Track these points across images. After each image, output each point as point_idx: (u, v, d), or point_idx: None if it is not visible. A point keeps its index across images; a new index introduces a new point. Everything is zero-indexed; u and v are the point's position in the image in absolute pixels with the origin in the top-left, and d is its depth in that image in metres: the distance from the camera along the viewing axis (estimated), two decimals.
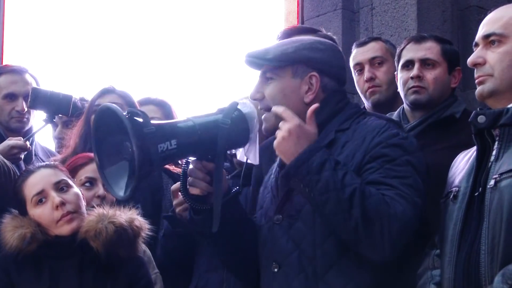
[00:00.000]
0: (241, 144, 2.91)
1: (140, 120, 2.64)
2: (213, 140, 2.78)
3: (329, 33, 3.71)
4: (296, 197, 2.85)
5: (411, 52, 3.72)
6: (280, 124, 2.78)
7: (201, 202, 2.90)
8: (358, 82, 4.19)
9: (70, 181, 3.33)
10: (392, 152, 2.80)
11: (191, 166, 2.87)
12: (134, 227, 3.27)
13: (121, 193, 2.72)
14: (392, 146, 2.81)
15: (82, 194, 3.35)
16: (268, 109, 2.92)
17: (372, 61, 4.13)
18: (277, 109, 2.82)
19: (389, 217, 2.66)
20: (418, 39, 3.76)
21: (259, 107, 2.95)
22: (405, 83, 3.71)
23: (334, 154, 2.82)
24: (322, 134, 2.89)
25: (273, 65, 2.93)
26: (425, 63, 3.69)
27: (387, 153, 2.79)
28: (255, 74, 3.04)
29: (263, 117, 2.94)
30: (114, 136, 2.71)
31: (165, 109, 4.37)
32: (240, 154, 2.97)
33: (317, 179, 2.68)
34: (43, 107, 4.20)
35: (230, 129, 2.80)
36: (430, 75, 3.67)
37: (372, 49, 4.17)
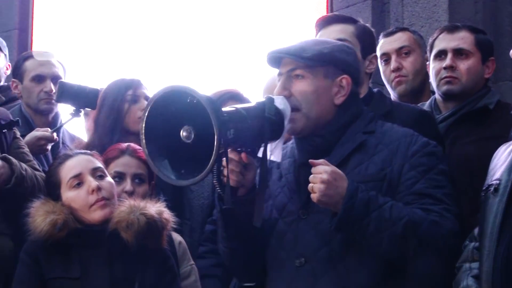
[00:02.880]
0: (275, 139, 2.88)
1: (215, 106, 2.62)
2: (259, 131, 2.76)
3: (367, 24, 3.68)
4: None
5: (444, 42, 3.69)
6: (312, 177, 2.74)
7: (233, 193, 2.86)
8: (385, 72, 4.18)
9: (105, 171, 3.35)
10: (429, 161, 2.84)
11: (227, 157, 2.82)
12: (163, 219, 3.27)
13: (173, 176, 2.69)
14: (429, 155, 2.85)
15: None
16: (296, 108, 2.90)
17: (399, 51, 4.11)
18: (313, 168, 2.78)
19: (443, 238, 2.72)
20: (451, 29, 3.73)
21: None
22: (437, 73, 3.68)
23: (368, 155, 2.85)
24: (348, 134, 2.92)
25: (309, 64, 2.91)
26: (458, 53, 3.65)
27: (425, 162, 2.83)
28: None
29: (290, 116, 2.90)
30: (167, 119, 2.67)
31: None
32: (262, 149, 2.95)
33: (367, 222, 2.70)
34: (70, 101, 4.20)
35: (273, 122, 2.79)
36: (463, 65, 3.64)
37: (400, 39, 4.15)
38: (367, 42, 3.48)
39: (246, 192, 2.87)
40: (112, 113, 4.07)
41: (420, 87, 4.04)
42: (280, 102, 2.86)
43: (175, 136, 2.68)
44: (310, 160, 2.77)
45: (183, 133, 2.66)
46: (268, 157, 2.92)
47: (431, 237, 2.70)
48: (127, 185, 3.55)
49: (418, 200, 2.77)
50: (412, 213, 2.72)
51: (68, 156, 3.35)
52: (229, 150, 2.76)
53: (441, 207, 2.75)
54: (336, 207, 2.73)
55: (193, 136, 2.63)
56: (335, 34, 3.42)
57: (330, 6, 5.62)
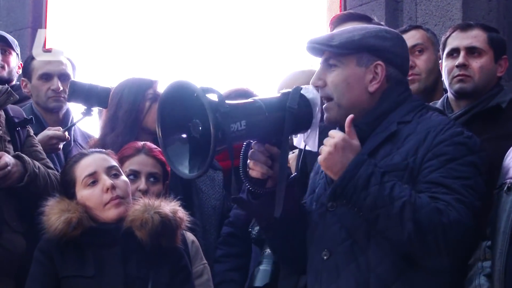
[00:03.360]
0: (303, 130, 2.87)
1: (216, 98, 2.62)
2: (279, 123, 2.75)
3: (382, 23, 3.67)
4: None
5: (456, 40, 3.67)
6: (325, 140, 2.74)
7: (260, 185, 2.86)
8: None
9: (120, 169, 3.37)
10: (456, 150, 2.75)
11: (252, 149, 2.83)
12: (177, 218, 3.29)
13: (186, 171, 2.69)
14: (457, 145, 2.77)
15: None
16: (329, 98, 2.88)
17: (412, 49, 4.08)
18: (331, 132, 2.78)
19: (443, 227, 2.63)
20: (464, 27, 3.71)
21: (320, 95, 2.89)
22: (450, 71, 3.66)
23: (397, 146, 2.81)
24: (383, 124, 2.87)
25: (338, 52, 2.88)
26: (471, 51, 3.64)
27: (450, 152, 2.75)
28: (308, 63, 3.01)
29: (324, 106, 2.88)
30: (179, 113, 2.69)
31: None
32: (297, 140, 2.94)
33: (365, 195, 2.67)
34: (81, 100, 4.23)
35: (296, 113, 2.77)
36: (476, 63, 3.62)
37: (413, 37, 4.13)
38: None
39: (275, 183, 2.85)
40: (133, 111, 4.08)
41: (433, 85, 4.03)
42: (309, 91, 2.85)
43: (186, 131, 2.69)
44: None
45: (191, 127, 2.67)
46: (301, 147, 2.93)
47: (428, 223, 2.61)
48: (142, 183, 3.57)
49: (429, 188, 2.70)
50: (415, 197, 2.66)
51: (83, 155, 3.38)
52: (253, 142, 2.77)
53: (453, 197, 2.66)
54: (336, 176, 2.72)
55: (200, 129, 2.64)
56: None
57: (344, 5, 5.62)
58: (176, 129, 2.73)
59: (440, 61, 3.82)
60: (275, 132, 2.78)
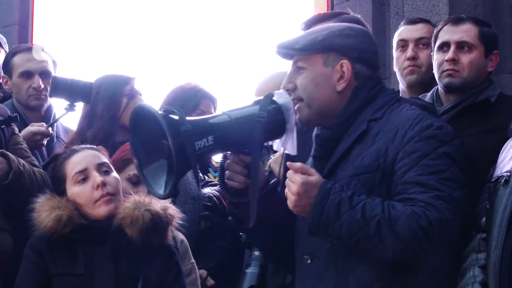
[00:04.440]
0: (278, 136, 2.88)
1: (176, 118, 2.63)
2: (249, 133, 2.76)
3: (356, 15, 3.65)
4: None
5: (447, 34, 3.67)
6: (287, 184, 2.73)
7: (240, 195, 2.88)
8: (398, 58, 4.15)
9: (111, 166, 3.35)
10: (427, 145, 2.74)
11: (228, 160, 2.85)
12: (168, 215, 3.28)
13: (161, 191, 2.71)
14: (427, 139, 2.75)
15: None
16: (300, 99, 2.89)
17: (418, 41, 4.09)
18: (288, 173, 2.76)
19: (424, 230, 2.61)
20: (456, 21, 3.71)
21: (291, 97, 2.90)
22: (440, 65, 3.67)
23: (367, 145, 2.80)
24: (355, 124, 2.86)
25: (303, 54, 2.90)
26: (461, 46, 3.63)
27: (421, 147, 2.73)
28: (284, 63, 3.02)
29: (296, 107, 2.88)
30: (152, 135, 2.70)
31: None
32: (277, 145, 2.94)
33: (339, 225, 2.66)
34: (64, 95, 4.20)
35: (267, 121, 2.77)
36: (465, 58, 3.62)
37: (421, 30, 4.13)
38: None
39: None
40: (111, 107, 4.07)
41: (430, 81, 4.01)
42: (281, 97, 2.85)
43: (156, 150, 2.71)
44: (288, 163, 2.74)
45: (160, 149, 2.68)
46: (283, 151, 2.93)
47: (409, 231, 2.60)
48: (144, 190, 3.51)
49: (408, 189, 2.69)
50: (388, 209, 2.64)
51: (74, 151, 3.36)
52: (228, 153, 2.80)
53: (431, 194, 2.65)
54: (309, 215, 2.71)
55: (167, 150, 2.63)
56: None
57: (331, 0, 5.61)
58: (151, 150, 2.74)
59: (431, 54, 3.83)
60: (247, 142, 2.79)
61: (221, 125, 2.73)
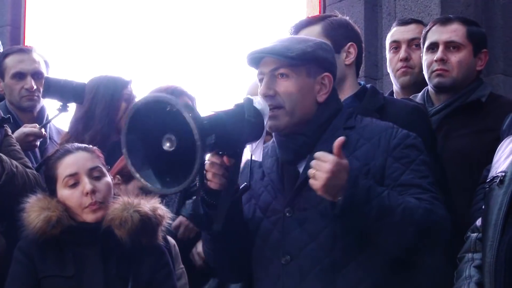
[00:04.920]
0: (255, 140, 2.87)
1: (194, 112, 2.59)
2: (237, 135, 2.74)
3: (345, 17, 3.64)
4: (308, 192, 2.80)
5: (436, 34, 3.69)
6: (315, 164, 2.71)
7: (217, 196, 2.84)
8: (391, 60, 4.15)
9: (104, 169, 3.32)
10: (411, 152, 2.84)
11: (209, 160, 2.81)
12: (158, 216, 3.27)
13: (158, 186, 2.65)
14: (410, 147, 2.85)
15: (114, 184, 3.37)
16: (280, 107, 2.89)
17: (410, 42, 4.09)
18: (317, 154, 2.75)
19: (438, 225, 2.71)
20: (444, 21, 3.72)
21: (268, 104, 2.88)
22: (429, 65, 3.68)
23: (349, 151, 2.83)
24: (328, 131, 2.90)
25: (294, 63, 2.90)
26: (449, 45, 3.65)
27: (407, 154, 2.83)
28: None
29: (271, 114, 2.87)
30: (150, 129, 2.65)
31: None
32: (249, 149, 2.92)
33: (369, 208, 2.68)
34: (57, 96, 4.17)
35: (253, 124, 2.78)
36: (454, 58, 3.64)
37: (413, 31, 4.12)
38: (338, 35, 3.39)
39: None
40: (110, 111, 4.06)
41: (423, 81, 4.02)
42: (259, 102, 2.85)
43: (157, 145, 2.65)
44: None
45: (165, 142, 2.63)
46: (250, 158, 2.94)
47: (427, 223, 2.68)
48: (156, 201, 3.44)
49: (406, 190, 2.76)
50: (407, 201, 2.71)
51: (67, 152, 3.32)
52: (211, 154, 2.77)
53: (429, 195, 2.74)
54: (335, 197, 2.70)
55: (175, 144, 2.61)
56: None
57: (323, 1, 5.61)
58: (145, 146, 2.67)
59: (421, 55, 3.83)
60: (235, 143, 2.78)
61: (220, 124, 2.70)
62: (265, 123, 2.83)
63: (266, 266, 2.93)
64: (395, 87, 4.14)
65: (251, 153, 2.90)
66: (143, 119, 2.66)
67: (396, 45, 4.13)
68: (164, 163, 2.65)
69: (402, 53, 4.07)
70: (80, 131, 4.11)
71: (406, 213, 2.67)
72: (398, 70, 4.08)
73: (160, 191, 2.72)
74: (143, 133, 2.66)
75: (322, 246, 2.79)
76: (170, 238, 3.58)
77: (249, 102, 2.81)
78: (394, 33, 4.17)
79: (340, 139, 2.72)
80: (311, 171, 2.71)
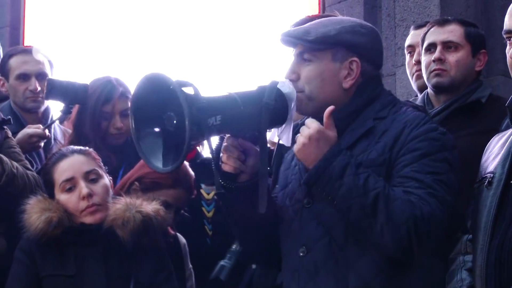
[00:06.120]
0: (278, 124, 2.83)
1: (192, 92, 2.58)
2: (254, 118, 2.70)
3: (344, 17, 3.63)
4: None
5: (434, 35, 3.68)
6: (301, 129, 2.73)
7: (232, 179, 2.83)
8: (408, 63, 4.14)
9: (100, 171, 3.33)
10: (430, 146, 2.73)
11: (225, 143, 2.80)
12: (159, 217, 3.27)
13: (159, 165, 2.64)
14: (431, 140, 2.75)
15: (132, 189, 3.38)
16: (301, 91, 2.85)
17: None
18: (306, 120, 2.75)
19: (415, 219, 2.61)
20: (441, 22, 3.72)
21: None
22: (427, 66, 3.68)
23: (373, 142, 2.79)
24: (358, 120, 2.85)
25: (314, 47, 2.85)
26: (447, 45, 3.65)
27: (424, 147, 2.73)
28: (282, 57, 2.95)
29: (297, 97, 2.82)
30: (153, 106, 2.64)
31: None
32: (271, 134, 2.92)
33: (339, 185, 2.65)
34: (60, 97, 4.18)
35: (273, 108, 2.73)
36: (452, 57, 3.63)
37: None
38: None
39: (248, 178, 2.82)
40: (95, 130, 4.04)
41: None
42: (285, 86, 2.80)
43: (160, 124, 2.65)
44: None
45: (165, 121, 2.62)
46: (275, 140, 2.91)
47: (401, 215, 2.59)
48: (171, 216, 3.50)
49: (403, 183, 2.69)
50: (389, 189, 2.64)
51: (62, 156, 3.33)
52: (226, 136, 2.74)
53: (425, 191, 2.65)
54: (311, 166, 2.70)
55: (175, 123, 2.59)
56: None
57: (322, 2, 5.61)
58: (150, 122, 2.67)
59: (420, 57, 3.83)
60: (249, 127, 2.75)
61: (230, 105, 2.66)
62: (290, 107, 2.79)
63: (287, 256, 2.92)
64: (415, 88, 4.11)
65: (278, 137, 2.86)
66: (145, 98, 2.64)
67: (411, 49, 4.10)
68: (164, 141, 2.65)
69: (415, 56, 4.02)
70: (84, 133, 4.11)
71: (380, 199, 2.61)
72: (414, 73, 4.05)
73: (154, 167, 2.66)
74: (147, 111, 2.65)
75: (336, 240, 2.77)
76: (180, 237, 3.58)
77: (273, 85, 2.77)
78: (410, 37, 4.14)
79: (330, 108, 2.70)
80: (296, 135, 2.71)
